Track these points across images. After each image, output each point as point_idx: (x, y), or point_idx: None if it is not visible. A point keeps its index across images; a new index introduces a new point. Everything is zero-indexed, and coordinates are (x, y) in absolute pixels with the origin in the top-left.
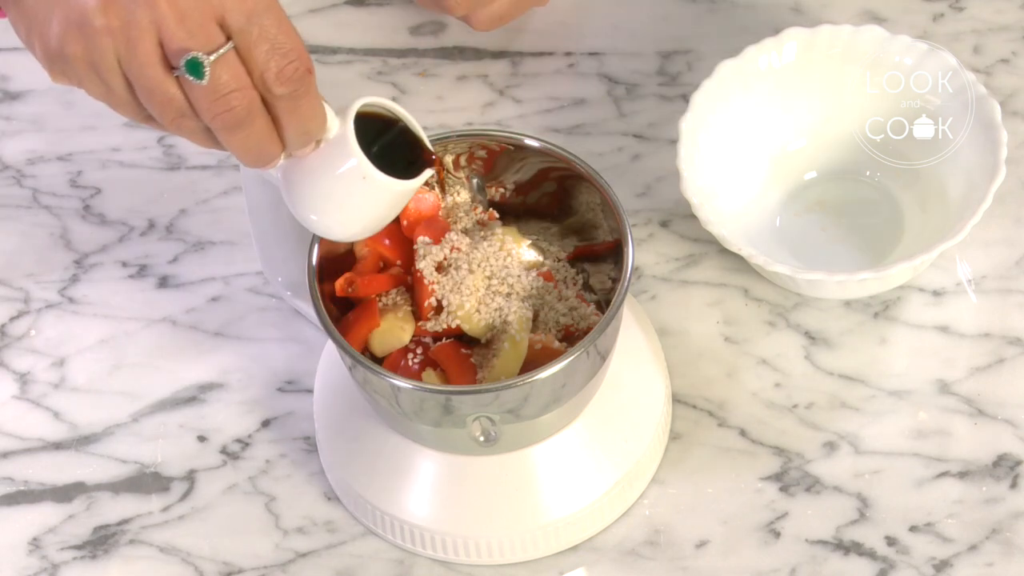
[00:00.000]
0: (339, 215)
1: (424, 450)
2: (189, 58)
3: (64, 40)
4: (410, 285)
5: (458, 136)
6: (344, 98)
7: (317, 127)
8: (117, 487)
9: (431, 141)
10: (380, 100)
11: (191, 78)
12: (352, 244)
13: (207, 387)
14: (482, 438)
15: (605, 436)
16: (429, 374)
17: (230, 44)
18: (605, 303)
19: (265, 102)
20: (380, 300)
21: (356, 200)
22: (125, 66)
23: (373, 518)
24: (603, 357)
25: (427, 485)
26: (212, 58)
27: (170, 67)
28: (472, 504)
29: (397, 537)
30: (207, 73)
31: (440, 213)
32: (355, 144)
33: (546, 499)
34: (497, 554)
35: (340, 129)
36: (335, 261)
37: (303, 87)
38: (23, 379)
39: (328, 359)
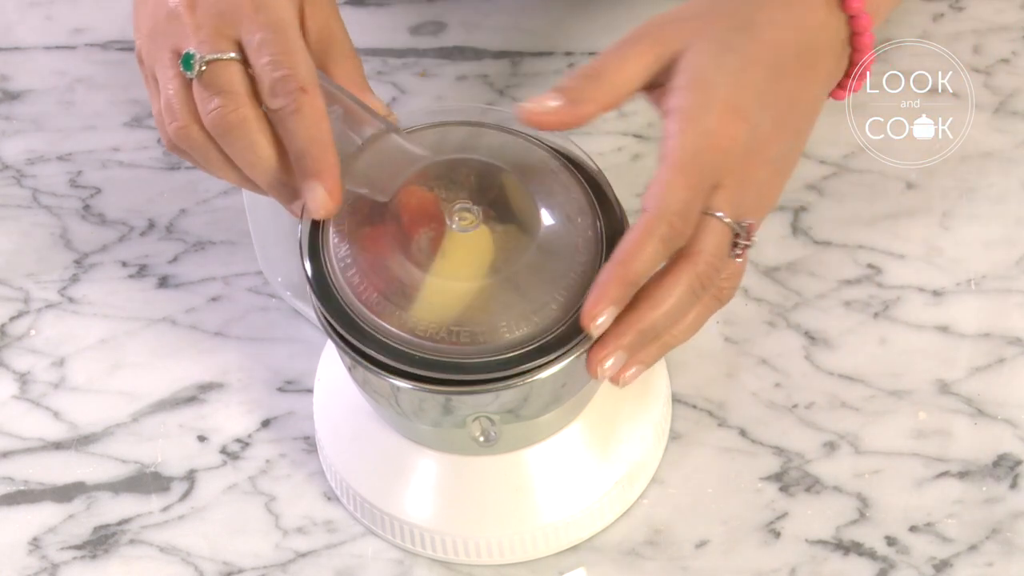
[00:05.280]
0: None
1: (424, 450)
2: (184, 53)
3: (138, 51)
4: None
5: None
6: None
7: (317, 153)
8: (117, 487)
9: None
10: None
11: (184, 71)
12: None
13: (207, 387)
14: (482, 438)
15: (605, 436)
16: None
17: (233, 54)
18: None
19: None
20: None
21: None
22: (156, 73)
23: (373, 518)
24: None
25: (427, 485)
26: (208, 57)
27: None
28: (472, 504)
29: (397, 537)
30: (196, 67)
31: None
32: None
33: (546, 499)
34: (497, 554)
35: None
36: None
37: (295, 104)
38: (23, 379)
39: (328, 359)
